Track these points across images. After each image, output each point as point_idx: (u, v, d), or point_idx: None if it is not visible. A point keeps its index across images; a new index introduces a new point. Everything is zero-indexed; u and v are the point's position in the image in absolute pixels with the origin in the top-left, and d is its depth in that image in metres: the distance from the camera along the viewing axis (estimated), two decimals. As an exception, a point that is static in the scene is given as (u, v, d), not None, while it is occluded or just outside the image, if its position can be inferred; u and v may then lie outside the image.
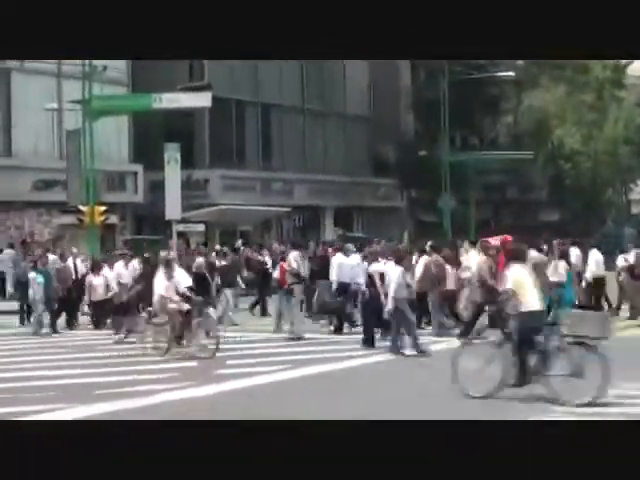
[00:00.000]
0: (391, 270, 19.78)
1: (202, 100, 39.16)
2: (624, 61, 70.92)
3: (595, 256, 26.21)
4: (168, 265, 20.59)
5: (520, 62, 58.31)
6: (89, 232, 34.54)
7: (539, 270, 18.66)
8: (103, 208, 35.19)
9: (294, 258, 23.77)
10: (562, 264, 22.45)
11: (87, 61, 35.02)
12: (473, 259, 22.56)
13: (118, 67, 43.39)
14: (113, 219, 39.22)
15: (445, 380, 14.43)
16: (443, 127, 52.65)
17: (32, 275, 25.79)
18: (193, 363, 19.04)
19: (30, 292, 25.58)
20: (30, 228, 40.79)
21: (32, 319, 25.71)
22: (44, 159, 41.67)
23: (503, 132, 61.66)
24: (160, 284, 20.13)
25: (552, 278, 21.20)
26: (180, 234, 38.05)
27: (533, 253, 20.53)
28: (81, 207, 34.67)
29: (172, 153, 39.73)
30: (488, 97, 58.32)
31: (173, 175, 39.30)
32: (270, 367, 18.17)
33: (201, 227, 40.90)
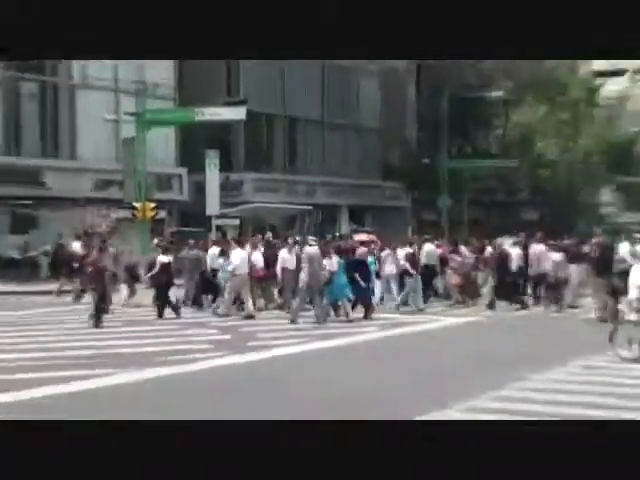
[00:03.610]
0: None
1: (238, 114, 39.13)
2: (598, 82, 70.83)
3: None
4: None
5: (508, 84, 58.25)
6: (141, 225, 34.61)
7: (312, 261, 22.41)
8: (153, 205, 35.23)
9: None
10: (335, 257, 23.56)
11: (140, 79, 35.13)
12: (236, 255, 24.22)
13: (166, 84, 43.56)
14: (161, 214, 39.21)
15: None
16: (442, 138, 52.60)
17: (220, 261, 24.96)
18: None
19: (220, 276, 24.77)
20: (91, 221, 40.86)
21: (221, 302, 24.64)
22: (104, 162, 41.74)
23: (493, 143, 61.46)
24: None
25: (328, 268, 23.04)
26: (218, 228, 38.09)
27: (309, 249, 23.06)
28: (135, 204, 34.75)
29: (212, 158, 39.85)
30: (481, 113, 58.19)
31: (213, 177, 39.43)
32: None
33: (236, 222, 40.88)
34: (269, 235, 33.28)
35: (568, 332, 20.92)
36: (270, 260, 25.10)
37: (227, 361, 15.94)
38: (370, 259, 25.95)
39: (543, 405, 11.47)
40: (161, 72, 42.12)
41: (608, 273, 23.38)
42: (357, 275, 23.75)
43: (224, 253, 25.26)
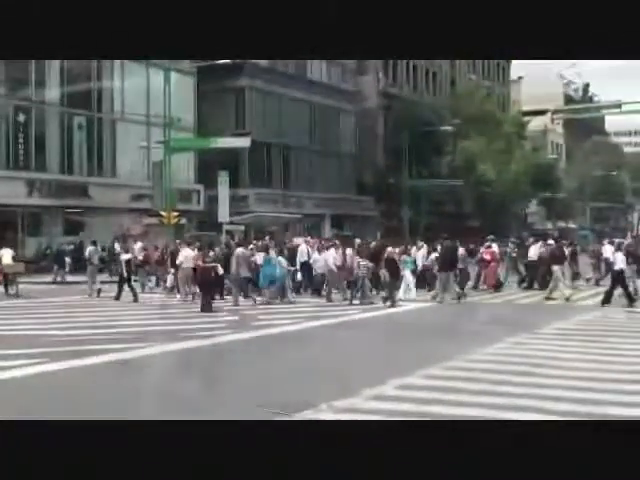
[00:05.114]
0: None
1: (244, 142, 39.11)
2: (526, 119, 71.00)
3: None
4: None
5: (456, 120, 58.20)
6: (167, 229, 34.23)
7: (242, 259, 21.14)
8: (176, 213, 34.89)
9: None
10: (260, 255, 22.52)
11: (167, 114, 34.83)
12: (183, 254, 23.11)
13: (187, 119, 43.29)
14: (183, 221, 38.87)
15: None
16: (404, 163, 52.50)
17: (315, 255, 23.86)
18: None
19: (317, 266, 23.46)
20: (127, 226, 40.55)
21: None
22: (138, 180, 41.44)
23: (444, 167, 61.37)
24: None
25: (259, 262, 22.10)
26: (227, 232, 37.74)
27: (239, 250, 21.74)
28: (162, 212, 34.39)
29: (223, 177, 39.50)
30: (434, 144, 58.12)
31: (224, 192, 39.06)
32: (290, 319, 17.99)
33: (242, 227, 40.54)
34: (267, 239, 32.92)
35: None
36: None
37: (236, 336, 15.64)
38: (408, 258, 23.99)
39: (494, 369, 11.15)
40: (183, 109, 41.85)
41: (451, 266, 22.38)
42: (387, 270, 21.93)
43: (319, 250, 24.26)
